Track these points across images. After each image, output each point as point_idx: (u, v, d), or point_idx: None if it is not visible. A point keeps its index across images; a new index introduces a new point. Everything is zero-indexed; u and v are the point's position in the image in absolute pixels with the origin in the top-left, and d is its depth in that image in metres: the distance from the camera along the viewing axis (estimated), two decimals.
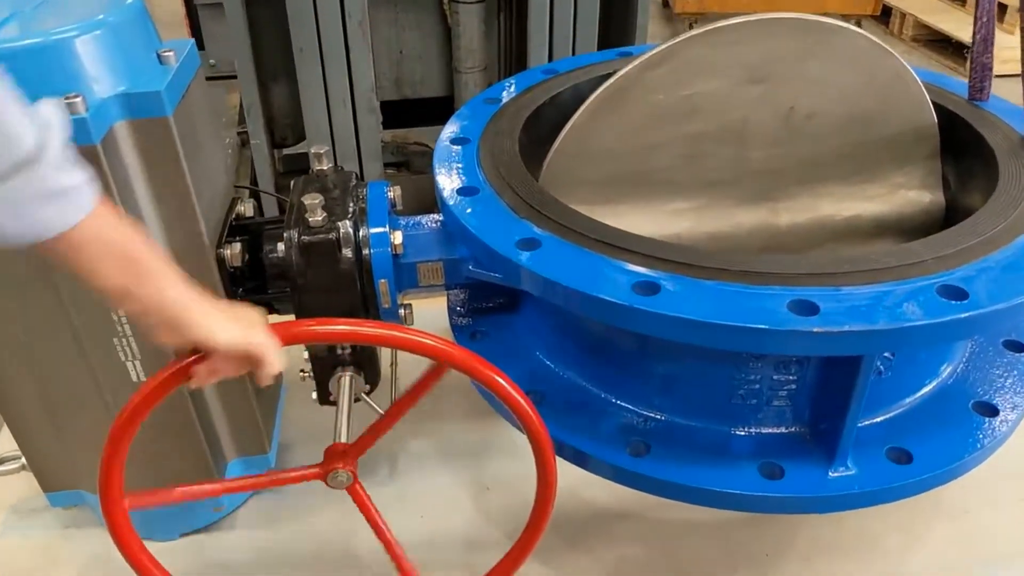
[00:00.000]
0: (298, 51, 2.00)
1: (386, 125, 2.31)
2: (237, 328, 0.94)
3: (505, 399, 1.11)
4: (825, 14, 4.27)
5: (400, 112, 2.40)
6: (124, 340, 1.21)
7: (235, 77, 2.12)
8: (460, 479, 1.65)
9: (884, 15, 4.72)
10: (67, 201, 0.79)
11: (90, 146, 1.03)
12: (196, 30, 2.88)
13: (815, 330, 0.96)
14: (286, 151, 2.36)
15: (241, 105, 2.25)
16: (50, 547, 1.51)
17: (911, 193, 1.45)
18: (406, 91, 2.36)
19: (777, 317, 0.98)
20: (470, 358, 1.09)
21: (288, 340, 1.00)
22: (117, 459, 1.03)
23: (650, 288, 1.03)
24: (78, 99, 1.00)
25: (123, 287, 0.86)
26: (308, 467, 1.19)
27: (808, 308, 0.99)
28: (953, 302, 0.99)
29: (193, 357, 0.96)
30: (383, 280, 1.29)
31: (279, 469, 1.25)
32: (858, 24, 4.59)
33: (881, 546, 1.53)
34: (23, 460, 1.43)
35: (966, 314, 0.97)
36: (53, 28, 1.03)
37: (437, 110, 2.36)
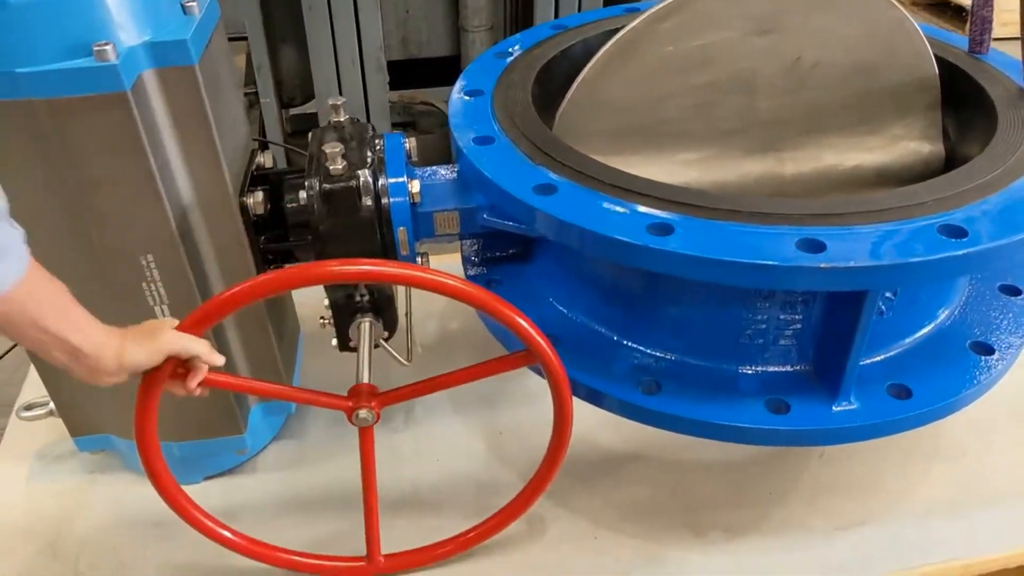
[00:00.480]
0: (307, 9, 2.02)
1: (393, 86, 2.34)
2: (143, 346, 1.04)
3: (524, 337, 1.16)
4: None
5: (406, 72, 2.42)
6: (153, 285, 1.25)
7: (243, 39, 2.14)
8: (474, 426, 1.70)
9: None
10: (11, 257, 0.84)
11: (120, 93, 1.06)
12: None
13: (822, 266, 1.01)
14: (293, 111, 2.39)
15: (249, 65, 2.26)
16: (76, 492, 1.56)
17: (912, 144, 1.49)
18: (412, 50, 2.39)
19: (786, 254, 1.02)
20: (490, 298, 1.14)
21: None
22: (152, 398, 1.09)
23: (664, 229, 1.07)
24: (108, 46, 1.03)
25: (62, 337, 0.94)
26: (338, 396, 1.24)
27: (816, 246, 1.03)
28: (953, 240, 1.03)
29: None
30: (402, 228, 1.33)
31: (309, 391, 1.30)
32: None
33: (882, 486, 1.59)
34: (51, 406, 1.48)
35: (964, 251, 1.02)
36: None
37: (443, 70, 2.39)
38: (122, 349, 1.02)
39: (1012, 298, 1.41)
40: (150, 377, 1.09)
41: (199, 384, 1.11)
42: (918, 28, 1.41)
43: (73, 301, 0.98)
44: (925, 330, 1.33)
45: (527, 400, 1.75)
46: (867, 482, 1.59)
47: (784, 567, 1.44)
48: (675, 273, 1.07)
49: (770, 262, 1.02)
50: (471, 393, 1.77)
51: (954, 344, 1.32)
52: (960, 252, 1.02)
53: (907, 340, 1.32)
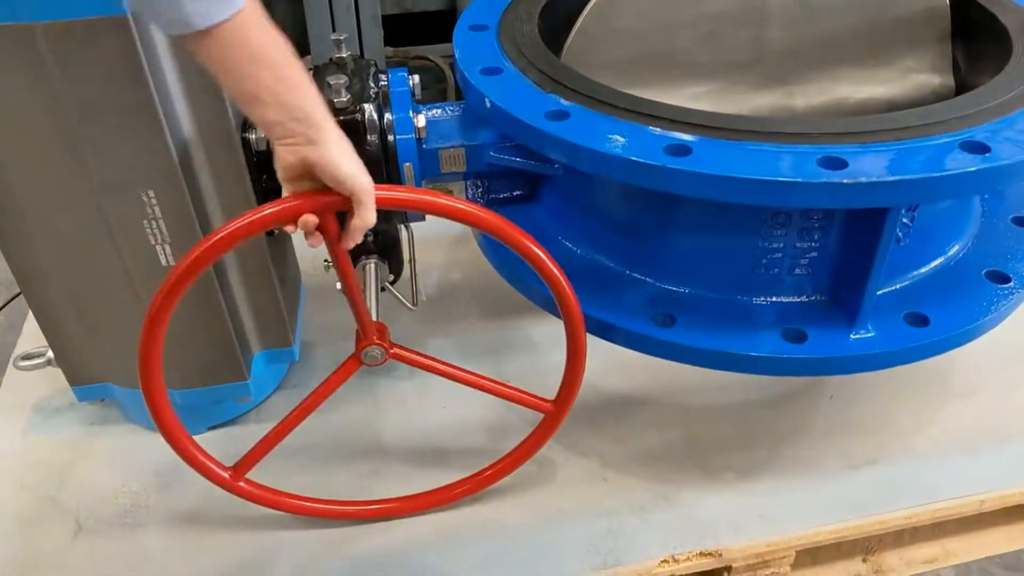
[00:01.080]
0: None
1: (387, 41, 2.29)
2: (358, 165, 0.98)
3: (536, 264, 1.13)
4: None
5: (400, 27, 2.38)
6: (154, 223, 1.22)
7: None
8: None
9: None
10: None
11: (121, 16, 1.02)
12: None
13: (844, 181, 0.99)
14: None
15: None
16: (76, 442, 1.53)
17: (922, 76, 1.47)
18: (407, 4, 2.34)
19: (808, 171, 1.00)
20: (506, 224, 1.11)
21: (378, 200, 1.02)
22: (165, 314, 1.05)
23: (682, 150, 1.05)
24: None
25: (271, 91, 0.89)
26: (342, 365, 1.22)
27: (837, 163, 1.01)
28: (976, 155, 1.02)
29: (305, 195, 1.00)
30: (408, 164, 1.30)
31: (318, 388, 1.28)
32: None
33: (893, 425, 1.58)
34: (49, 355, 1.45)
35: (988, 165, 1.00)
36: None
37: (438, 25, 2.34)
38: (343, 146, 0.97)
39: None
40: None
41: None
42: None
43: (297, 62, 0.91)
44: (940, 260, 1.32)
45: (532, 348, 1.73)
46: (878, 421, 1.59)
47: (798, 506, 1.43)
48: (695, 194, 1.05)
49: (792, 179, 1.00)
50: (475, 342, 1.76)
51: (970, 273, 1.31)
52: (983, 166, 1.01)
53: (923, 269, 1.30)
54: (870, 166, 1.00)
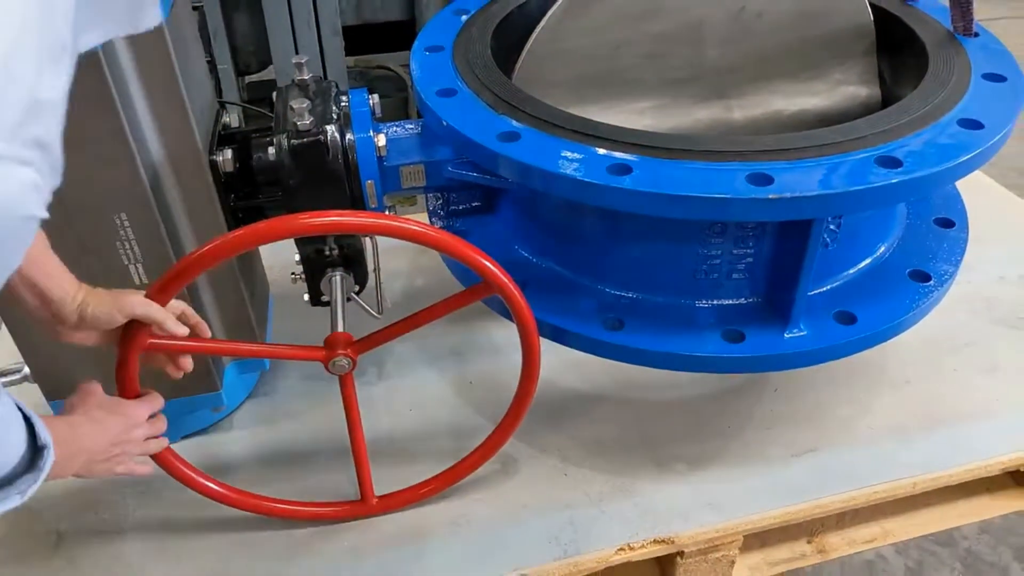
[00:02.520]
0: None
1: (349, 51, 2.35)
2: (104, 304, 1.09)
3: (489, 277, 1.21)
4: None
5: (361, 37, 2.44)
6: (127, 244, 1.27)
7: (197, 7, 2.13)
8: (445, 376, 1.76)
9: None
10: None
11: (91, 53, 1.07)
12: None
13: (770, 196, 1.08)
14: (250, 78, 2.38)
15: (203, 32, 2.26)
16: None
17: (851, 88, 1.58)
18: (367, 15, 2.39)
19: (737, 188, 1.09)
20: (457, 242, 1.19)
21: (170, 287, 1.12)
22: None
23: (622, 169, 1.13)
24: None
25: (33, 280, 1.02)
26: (313, 348, 1.28)
27: (764, 179, 1.10)
28: (889, 170, 1.12)
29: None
30: (370, 181, 1.37)
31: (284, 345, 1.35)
32: None
33: (833, 415, 1.68)
34: (25, 371, 1.49)
35: (901, 179, 1.10)
36: None
37: (399, 34, 2.40)
38: (85, 303, 1.07)
39: (946, 230, 1.51)
40: (123, 345, 1.14)
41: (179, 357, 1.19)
42: None
43: (48, 248, 1.01)
44: (867, 261, 1.42)
45: (495, 350, 1.81)
46: (819, 412, 1.69)
47: (745, 493, 1.53)
48: (634, 210, 1.13)
49: (722, 195, 1.09)
50: (440, 346, 1.83)
51: (894, 273, 1.41)
52: (896, 180, 1.10)
53: (851, 271, 1.41)
54: (794, 182, 1.10)
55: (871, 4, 1.54)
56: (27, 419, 0.89)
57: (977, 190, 2.40)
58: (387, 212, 1.45)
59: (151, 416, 1.21)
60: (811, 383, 1.75)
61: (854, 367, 1.78)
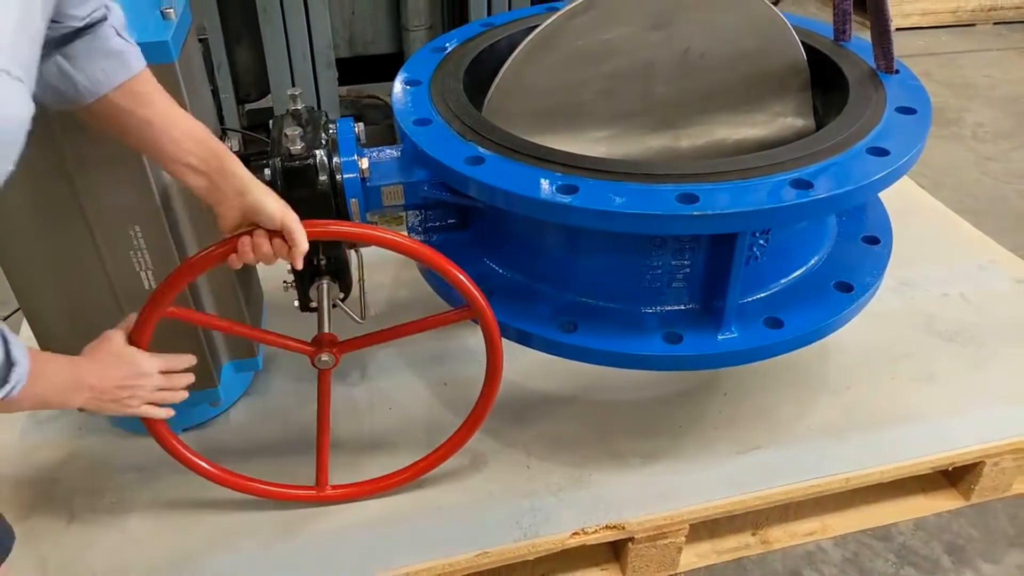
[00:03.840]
0: (262, 11, 2.22)
1: (341, 81, 2.54)
2: (280, 203, 1.23)
3: (456, 284, 1.38)
4: None
5: (354, 69, 2.63)
6: (139, 253, 1.44)
7: (203, 40, 2.32)
8: (422, 379, 1.92)
9: None
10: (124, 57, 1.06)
11: None
12: None
13: (694, 214, 1.25)
14: (249, 106, 2.57)
15: (208, 63, 2.45)
16: (66, 445, 1.74)
17: (788, 119, 1.75)
18: (359, 48, 2.59)
19: (667, 206, 1.27)
20: (430, 252, 1.36)
21: (309, 230, 1.26)
22: (152, 321, 1.30)
23: (570, 188, 1.31)
24: None
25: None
26: (302, 341, 1.45)
27: (691, 198, 1.28)
28: (800, 191, 1.29)
29: (238, 233, 1.23)
30: (354, 200, 1.54)
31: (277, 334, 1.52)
32: None
33: (777, 416, 1.84)
34: None
35: (809, 198, 1.28)
36: None
37: (388, 66, 2.59)
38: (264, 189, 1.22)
39: (872, 246, 1.68)
40: (146, 307, 1.30)
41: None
42: (787, 22, 1.67)
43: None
44: (797, 273, 1.59)
45: (468, 355, 1.97)
46: (764, 413, 1.85)
47: (692, 485, 1.69)
48: (580, 224, 1.31)
49: (653, 212, 1.26)
50: (419, 352, 2.00)
51: (821, 284, 1.58)
52: (806, 200, 1.28)
53: (782, 281, 1.58)
54: (716, 200, 1.27)
55: (806, 44, 1.72)
56: (4, 340, 0.95)
57: (929, 213, 2.60)
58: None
59: (171, 373, 1.32)
60: (758, 388, 1.91)
61: (798, 374, 1.95)
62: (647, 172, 1.33)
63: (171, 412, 1.35)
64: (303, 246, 1.24)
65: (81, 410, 1.25)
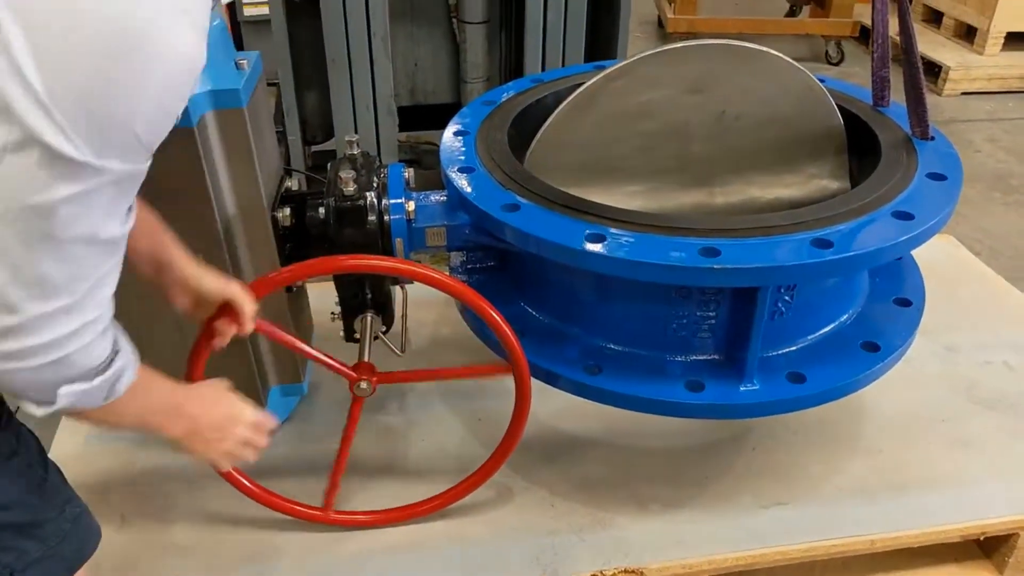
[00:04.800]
0: (330, 61, 2.38)
1: (402, 128, 2.69)
2: (219, 279, 1.31)
3: (492, 325, 1.46)
4: (806, 35, 4.68)
5: (414, 116, 2.78)
6: None
7: (275, 84, 2.50)
8: (457, 413, 2.00)
9: (863, 36, 5.10)
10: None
11: (188, 128, 1.39)
12: (239, 43, 3.28)
13: (715, 267, 1.31)
14: (315, 148, 2.73)
15: (279, 107, 2.63)
16: (125, 453, 1.86)
17: (823, 181, 1.80)
18: (419, 98, 2.74)
19: (690, 258, 1.33)
20: (469, 291, 1.45)
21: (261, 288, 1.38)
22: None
23: (598, 237, 1.38)
24: None
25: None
26: (345, 364, 1.55)
27: (713, 252, 1.34)
28: (821, 249, 1.34)
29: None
30: (399, 239, 1.64)
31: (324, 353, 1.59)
32: (838, 45, 4.99)
33: (803, 472, 1.85)
34: None
35: (829, 257, 1.32)
36: None
37: (446, 115, 2.72)
38: (200, 274, 1.29)
39: (903, 308, 1.70)
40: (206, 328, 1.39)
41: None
42: (824, 89, 1.73)
43: (166, 228, 1.24)
44: (824, 330, 1.62)
45: (503, 394, 2.01)
46: (792, 470, 1.86)
47: (713, 534, 1.71)
48: (605, 272, 1.38)
49: (676, 264, 1.32)
50: (455, 387, 2.08)
51: (848, 343, 1.61)
52: (826, 259, 1.33)
53: (809, 337, 1.61)
54: (737, 255, 1.33)
55: (844, 109, 1.78)
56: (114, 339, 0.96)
57: (979, 280, 2.58)
58: None
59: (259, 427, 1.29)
60: (788, 444, 1.93)
61: (830, 433, 1.96)
62: (672, 225, 1.40)
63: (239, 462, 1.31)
64: (248, 310, 1.33)
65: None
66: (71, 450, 1.87)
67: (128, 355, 1.00)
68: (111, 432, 1.85)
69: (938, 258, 2.56)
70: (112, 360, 0.95)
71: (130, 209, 0.91)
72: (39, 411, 0.92)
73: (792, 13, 5.48)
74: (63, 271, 0.84)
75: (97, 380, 0.93)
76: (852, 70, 4.97)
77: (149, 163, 0.88)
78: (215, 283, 1.31)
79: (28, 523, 1.08)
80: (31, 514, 1.09)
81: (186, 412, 1.16)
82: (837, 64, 5.05)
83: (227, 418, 1.23)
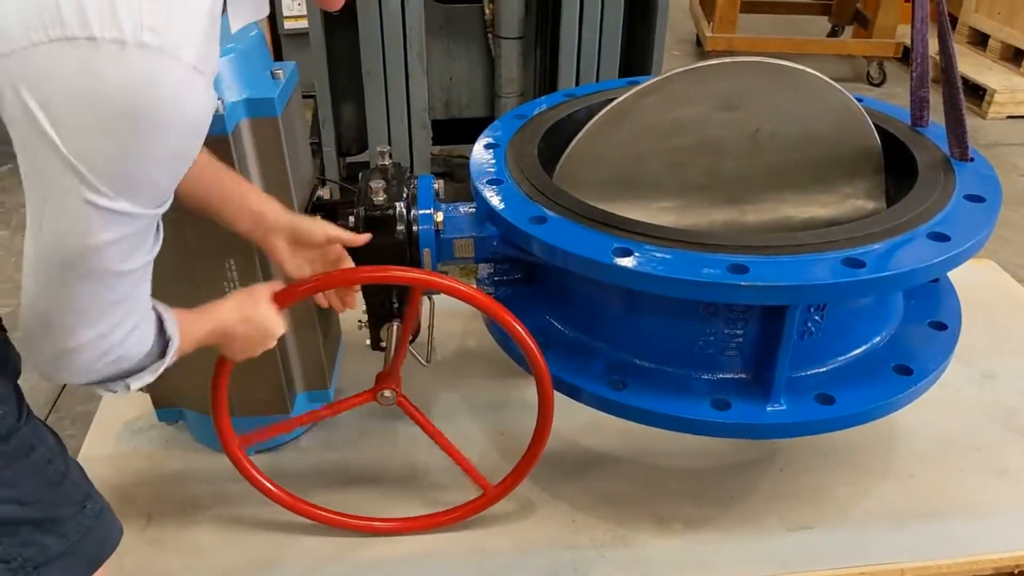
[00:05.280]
0: (366, 74, 2.41)
1: (436, 141, 2.71)
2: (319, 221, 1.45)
3: (516, 337, 1.46)
4: (848, 55, 4.62)
5: (448, 130, 2.80)
6: (231, 284, 1.59)
7: (312, 97, 2.54)
8: (481, 425, 2.00)
9: (905, 57, 5.03)
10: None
11: (223, 135, 1.42)
12: (279, 56, 3.35)
13: (742, 284, 1.30)
14: (350, 159, 2.77)
15: (315, 119, 2.67)
16: (153, 455, 1.90)
17: (858, 202, 1.77)
18: (454, 112, 2.76)
19: (717, 274, 1.32)
20: (494, 304, 1.45)
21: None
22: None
23: (624, 251, 1.37)
24: (218, 101, 1.39)
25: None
26: (362, 393, 1.56)
27: (741, 269, 1.32)
28: (852, 269, 1.32)
29: None
30: (427, 249, 1.65)
31: (340, 400, 1.63)
32: (880, 66, 4.92)
33: (830, 496, 1.82)
34: None
35: (860, 277, 1.30)
36: None
37: (480, 129, 2.74)
38: (297, 220, 1.45)
39: (938, 332, 1.67)
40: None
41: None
42: (861, 108, 1.70)
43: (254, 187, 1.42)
44: (856, 352, 1.59)
45: (527, 408, 2.02)
46: (819, 493, 1.83)
47: (734, 556, 1.68)
48: (632, 286, 1.37)
49: (703, 279, 1.31)
50: (480, 400, 2.08)
51: (880, 365, 1.58)
52: (857, 278, 1.30)
53: (840, 359, 1.58)
54: (766, 273, 1.31)
55: (883, 129, 1.75)
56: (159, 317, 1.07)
57: (1022, 307, 2.51)
58: None
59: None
60: (816, 467, 1.89)
61: (860, 457, 1.92)
62: (701, 241, 1.38)
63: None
64: (359, 240, 1.50)
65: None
66: (101, 451, 1.91)
67: (174, 328, 1.10)
68: None
69: (978, 283, 2.51)
70: (165, 349, 1.09)
71: (157, 232, 0.99)
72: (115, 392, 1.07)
73: (834, 33, 5.42)
74: (108, 297, 0.94)
75: (156, 366, 1.09)
76: (894, 91, 4.89)
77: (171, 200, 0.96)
78: (315, 225, 1.45)
79: (48, 519, 1.11)
80: (51, 510, 1.11)
81: (226, 332, 1.32)
82: (879, 85, 4.99)
83: (264, 333, 1.36)
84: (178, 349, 1.11)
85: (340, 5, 1.15)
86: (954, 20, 5.05)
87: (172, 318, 1.10)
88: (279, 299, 1.39)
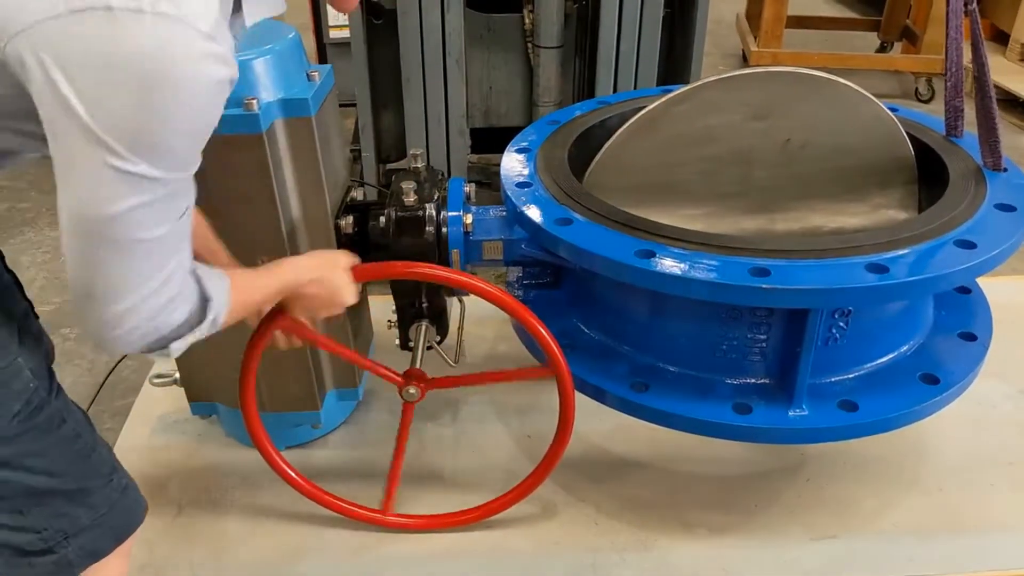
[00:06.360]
0: (406, 81, 2.46)
1: (474, 149, 2.75)
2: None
3: (538, 338, 1.48)
4: (896, 72, 4.52)
5: (487, 138, 2.84)
6: None
7: (352, 104, 2.60)
8: (507, 428, 2.02)
9: None
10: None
11: (258, 135, 1.47)
12: (323, 63, 3.42)
13: (764, 287, 1.30)
14: (389, 165, 2.82)
15: (356, 126, 2.73)
16: (186, 448, 1.95)
17: (890, 212, 1.76)
18: (492, 120, 2.80)
19: (739, 277, 1.32)
20: (518, 305, 1.48)
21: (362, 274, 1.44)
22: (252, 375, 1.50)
23: (648, 253, 1.39)
24: (254, 100, 1.44)
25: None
26: (395, 371, 1.59)
27: (763, 272, 1.33)
28: (875, 274, 1.32)
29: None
30: (455, 250, 1.69)
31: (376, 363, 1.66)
32: (928, 82, 4.84)
33: (857, 507, 1.80)
34: (175, 376, 1.88)
35: (883, 283, 1.30)
36: (239, 53, 1.48)
37: None
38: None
39: (968, 342, 1.65)
40: (266, 319, 1.48)
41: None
42: (894, 119, 1.69)
43: (211, 230, 1.40)
44: (881, 360, 1.58)
45: (553, 412, 2.04)
46: (845, 503, 1.81)
47: (757, 564, 1.68)
48: (654, 288, 1.39)
49: (725, 282, 1.32)
50: (508, 403, 2.10)
51: (906, 374, 1.56)
52: (880, 283, 1.30)
53: (865, 366, 1.57)
54: (788, 276, 1.32)
55: (916, 139, 1.74)
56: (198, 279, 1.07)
57: None
58: None
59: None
60: (843, 477, 1.87)
61: (888, 468, 1.89)
62: (724, 244, 1.39)
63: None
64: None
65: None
66: (136, 443, 1.98)
67: (219, 294, 1.10)
68: None
69: (1016, 299, 2.46)
70: (205, 309, 1.08)
71: (185, 202, 1.00)
72: (167, 356, 1.09)
73: (883, 49, 5.35)
74: (137, 267, 0.95)
75: (201, 327, 1.08)
76: (942, 107, 4.81)
77: (195, 169, 0.97)
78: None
79: (78, 490, 1.16)
80: (80, 482, 1.16)
81: (296, 289, 1.36)
82: (927, 102, 4.90)
83: (335, 297, 1.41)
84: (231, 311, 1.12)
85: (353, 7, 1.19)
86: (1005, 36, 4.95)
87: (218, 283, 1.11)
88: (357, 272, 1.45)
